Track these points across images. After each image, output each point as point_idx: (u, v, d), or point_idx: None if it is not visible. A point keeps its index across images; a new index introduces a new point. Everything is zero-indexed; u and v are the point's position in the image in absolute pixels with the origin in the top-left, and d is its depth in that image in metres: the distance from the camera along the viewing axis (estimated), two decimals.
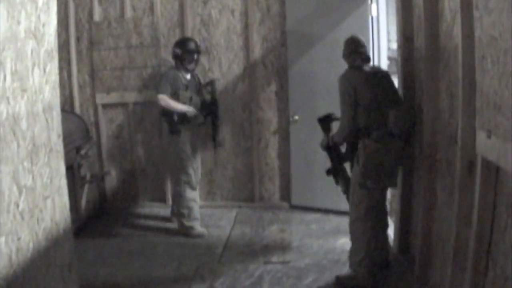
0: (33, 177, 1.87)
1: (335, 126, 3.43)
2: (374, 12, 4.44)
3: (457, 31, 2.33)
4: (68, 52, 5.05)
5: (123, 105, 5.11)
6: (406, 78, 3.50)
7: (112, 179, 5.23)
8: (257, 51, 4.92)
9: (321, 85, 4.67)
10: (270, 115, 5.00)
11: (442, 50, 2.76)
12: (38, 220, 1.91)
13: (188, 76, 4.40)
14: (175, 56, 4.35)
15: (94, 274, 3.59)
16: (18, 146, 1.76)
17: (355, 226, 3.26)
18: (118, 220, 4.86)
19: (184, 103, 4.26)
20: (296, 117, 4.83)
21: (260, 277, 3.52)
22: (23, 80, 1.81)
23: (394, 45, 4.77)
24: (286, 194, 5.09)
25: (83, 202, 4.63)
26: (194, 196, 4.41)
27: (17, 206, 1.74)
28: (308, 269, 3.61)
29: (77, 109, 5.13)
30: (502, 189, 1.94)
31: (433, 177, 2.94)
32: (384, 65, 4.59)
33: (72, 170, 4.36)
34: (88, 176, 4.85)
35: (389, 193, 3.62)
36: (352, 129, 3.18)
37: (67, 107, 5.06)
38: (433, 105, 2.89)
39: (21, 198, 1.77)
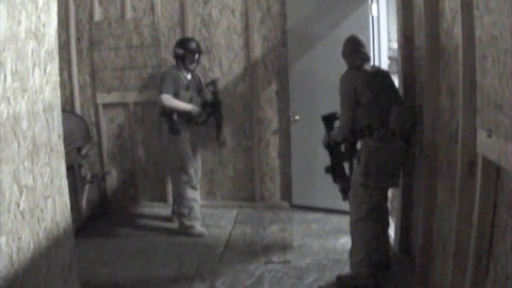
0: (33, 177, 1.87)
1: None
2: (374, 12, 4.44)
3: (458, 30, 2.33)
4: (69, 52, 5.06)
5: (124, 105, 5.12)
6: (407, 77, 3.50)
7: (112, 179, 5.23)
8: (257, 51, 4.92)
9: (322, 85, 4.67)
10: (271, 115, 5.00)
11: (443, 50, 2.76)
12: (38, 220, 1.91)
13: (189, 76, 4.40)
14: (177, 56, 4.36)
15: (95, 274, 3.59)
16: (19, 146, 1.77)
17: (356, 226, 3.26)
18: (119, 220, 4.87)
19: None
20: (297, 117, 4.83)
21: (261, 276, 3.52)
22: (23, 80, 1.81)
23: (395, 45, 4.77)
24: (286, 193, 5.09)
25: (84, 202, 4.63)
26: (195, 196, 4.41)
27: (18, 205, 1.75)
28: (309, 269, 3.61)
29: (78, 109, 5.13)
30: (503, 188, 1.94)
31: (433, 176, 2.94)
32: (384, 64, 4.58)
33: (72, 170, 4.36)
34: (88, 176, 4.85)
35: (390, 193, 3.62)
36: (351, 129, 3.18)
37: (67, 107, 5.06)
38: (433, 105, 2.89)
39: (22, 198, 1.77)
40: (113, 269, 3.71)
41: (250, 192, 5.11)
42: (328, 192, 4.56)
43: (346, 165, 3.45)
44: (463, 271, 2.26)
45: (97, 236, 4.43)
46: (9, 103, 1.70)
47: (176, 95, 4.25)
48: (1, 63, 1.65)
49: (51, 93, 2.06)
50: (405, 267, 3.43)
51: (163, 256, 3.96)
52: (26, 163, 1.81)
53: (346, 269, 3.47)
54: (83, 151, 4.67)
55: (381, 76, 3.29)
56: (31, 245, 1.84)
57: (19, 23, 1.79)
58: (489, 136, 1.93)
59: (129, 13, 4.99)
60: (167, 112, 4.26)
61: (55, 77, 2.10)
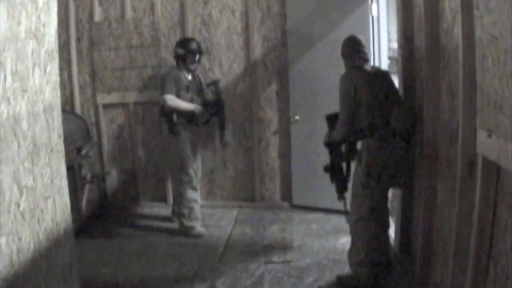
0: (33, 177, 1.87)
1: None
2: (374, 12, 4.44)
3: (458, 30, 2.33)
4: (69, 53, 5.06)
5: (124, 105, 5.12)
6: (407, 77, 3.50)
7: (112, 179, 5.23)
8: (257, 51, 4.92)
9: (322, 85, 4.67)
10: (271, 115, 5.00)
11: (443, 50, 2.76)
12: (39, 220, 1.91)
13: (190, 77, 4.40)
14: (177, 56, 4.36)
15: (95, 274, 3.59)
16: (19, 146, 1.76)
17: (356, 226, 3.25)
18: (119, 220, 4.87)
19: None
20: (297, 117, 4.84)
21: (261, 276, 3.52)
22: (23, 81, 1.81)
23: (395, 45, 4.77)
24: (286, 193, 5.09)
25: (84, 202, 4.63)
26: (195, 197, 4.41)
27: (18, 206, 1.75)
28: (309, 269, 3.61)
29: (78, 109, 5.13)
30: (503, 188, 1.94)
31: (433, 176, 2.94)
32: (384, 64, 4.59)
33: (73, 170, 4.36)
34: (88, 176, 4.85)
35: (390, 193, 3.62)
36: (351, 129, 3.18)
37: (67, 108, 5.06)
38: (433, 105, 2.89)
39: (22, 198, 1.77)
40: (113, 269, 3.71)
41: (250, 192, 5.11)
42: (328, 192, 4.53)
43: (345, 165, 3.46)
44: (463, 271, 2.26)
45: (97, 236, 4.43)
46: (9, 103, 1.70)
47: (177, 96, 4.25)
48: (1, 63, 1.65)
49: (51, 93, 2.06)
50: (405, 267, 3.43)
51: (163, 256, 3.96)
52: (26, 164, 1.81)
53: (346, 269, 3.47)
54: (83, 151, 4.67)
55: (381, 76, 3.29)
56: (31, 245, 1.84)
57: (19, 23, 1.78)
58: (489, 136, 1.93)
59: (129, 13, 4.99)
60: (167, 113, 4.26)
61: (55, 77, 2.10)
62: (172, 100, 4.20)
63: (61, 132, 2.16)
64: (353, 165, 3.37)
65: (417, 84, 3.36)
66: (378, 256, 3.21)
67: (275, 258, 3.83)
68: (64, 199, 2.17)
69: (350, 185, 3.40)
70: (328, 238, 4.18)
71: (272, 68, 4.94)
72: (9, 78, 1.70)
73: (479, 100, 2.07)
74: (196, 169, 4.48)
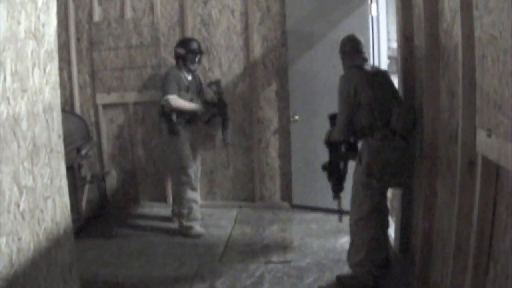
0: (33, 178, 1.87)
1: None
2: (374, 12, 4.44)
3: (457, 30, 2.33)
4: (68, 53, 5.06)
5: (124, 105, 5.12)
6: (406, 77, 3.50)
7: (112, 179, 5.23)
8: (257, 51, 4.92)
9: (322, 85, 4.67)
10: (271, 115, 5.00)
11: (442, 50, 2.76)
12: (38, 220, 1.91)
13: (190, 77, 4.40)
14: (178, 56, 4.35)
15: (95, 274, 3.59)
16: (19, 146, 1.76)
17: (357, 226, 3.25)
18: (119, 220, 4.87)
19: None
20: (297, 117, 4.84)
21: (261, 276, 3.52)
22: (23, 81, 1.81)
23: (394, 44, 4.76)
24: (286, 193, 5.09)
25: (84, 202, 4.64)
26: (194, 197, 4.41)
27: (18, 206, 1.75)
28: (308, 269, 3.61)
29: (78, 110, 5.13)
30: (503, 188, 1.94)
31: (433, 176, 2.94)
32: (384, 64, 4.59)
33: (72, 171, 4.36)
34: (88, 176, 4.86)
35: (389, 192, 3.62)
36: (349, 129, 3.18)
37: (67, 108, 5.06)
38: (433, 104, 2.89)
39: (22, 199, 1.77)
40: (113, 269, 3.71)
41: (250, 192, 5.11)
42: (328, 192, 4.51)
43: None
44: (463, 270, 2.26)
45: (97, 236, 4.43)
46: (9, 103, 1.70)
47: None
48: (0, 63, 1.65)
49: (51, 94, 2.06)
50: (405, 267, 3.43)
51: (163, 256, 3.97)
52: (26, 164, 1.81)
53: (346, 269, 3.47)
54: (83, 152, 4.67)
55: (380, 76, 3.29)
56: (31, 245, 1.84)
57: (18, 23, 1.78)
58: (489, 135, 1.93)
59: (128, 13, 4.99)
60: (167, 113, 4.26)
61: (54, 77, 2.10)
62: (175, 100, 4.20)
63: (60, 132, 2.16)
64: (353, 165, 3.37)
65: (417, 84, 3.36)
66: (378, 256, 3.21)
67: (275, 258, 3.83)
68: (64, 199, 2.17)
69: (347, 185, 3.42)
70: (328, 238, 4.18)
71: (272, 68, 4.94)
72: (8, 78, 1.70)
73: (478, 100, 2.07)
74: (196, 169, 4.48)
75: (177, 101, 4.21)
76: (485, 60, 1.97)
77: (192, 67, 4.38)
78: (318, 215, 4.74)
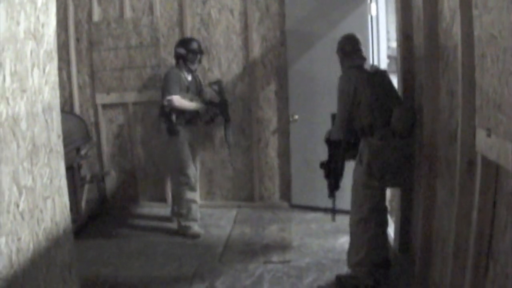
0: (33, 178, 1.87)
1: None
2: (373, 11, 4.44)
3: (457, 30, 2.33)
4: (68, 53, 5.06)
5: (123, 105, 5.12)
6: (406, 77, 3.50)
7: (112, 179, 5.23)
8: (256, 51, 4.92)
9: (321, 85, 4.67)
10: (270, 115, 5.00)
11: (442, 49, 2.76)
12: (38, 220, 1.91)
13: (190, 77, 4.39)
14: (178, 56, 4.34)
15: (95, 274, 3.59)
16: (18, 146, 1.76)
17: (357, 227, 3.24)
18: (118, 220, 4.87)
19: None
20: (296, 117, 4.84)
21: (260, 276, 3.52)
22: (22, 81, 1.81)
23: (394, 44, 4.77)
24: (286, 193, 5.09)
25: (83, 202, 4.63)
26: (193, 197, 4.40)
27: (17, 206, 1.74)
28: (308, 269, 3.61)
29: (77, 110, 5.13)
30: (502, 187, 1.94)
31: (433, 176, 2.94)
32: (383, 64, 4.59)
33: (72, 171, 4.35)
34: (88, 176, 4.85)
35: (388, 192, 3.62)
36: (348, 129, 3.18)
37: (67, 108, 5.06)
38: (432, 104, 2.89)
39: (21, 199, 1.77)
40: (113, 269, 3.71)
41: (250, 192, 5.11)
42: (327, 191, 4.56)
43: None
44: (462, 270, 2.26)
45: (96, 236, 4.43)
46: (8, 103, 1.70)
47: None
48: (0, 63, 1.65)
49: (50, 94, 2.05)
50: (405, 267, 3.43)
51: (162, 256, 3.96)
52: (25, 164, 1.81)
53: (345, 269, 3.47)
54: (83, 152, 4.67)
55: (380, 75, 3.29)
56: (31, 245, 1.84)
57: (18, 23, 1.78)
58: (488, 135, 1.93)
59: (128, 13, 4.98)
60: (166, 113, 4.25)
61: (54, 78, 2.10)
62: (179, 101, 4.19)
63: (60, 132, 2.16)
64: (350, 164, 3.37)
65: (416, 84, 3.36)
66: (377, 256, 3.21)
67: (274, 258, 3.83)
68: (63, 199, 2.17)
69: (343, 184, 3.42)
70: (327, 238, 4.18)
71: (271, 68, 4.94)
72: (8, 78, 1.70)
73: (478, 99, 2.07)
74: (195, 169, 4.47)
75: (181, 101, 4.20)
76: (485, 60, 1.97)
77: (193, 67, 4.37)
78: (318, 215, 4.74)
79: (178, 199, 4.37)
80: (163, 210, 4.96)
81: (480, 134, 2.04)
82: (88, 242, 4.22)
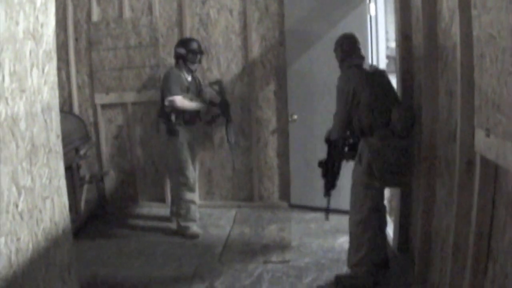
0: (32, 178, 1.87)
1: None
2: (372, 11, 4.45)
3: (456, 30, 2.33)
4: (67, 53, 5.05)
5: (122, 105, 5.11)
6: (405, 77, 3.50)
7: (111, 179, 5.23)
8: (255, 51, 4.92)
9: (320, 84, 4.67)
10: (269, 115, 5.00)
11: (441, 49, 2.76)
12: (37, 220, 1.91)
13: (189, 78, 4.39)
14: (178, 56, 4.34)
15: (94, 274, 3.58)
16: (17, 146, 1.76)
17: (358, 227, 3.23)
18: (118, 220, 4.86)
19: None
20: (295, 117, 4.84)
21: (260, 276, 3.52)
22: (21, 81, 1.81)
23: (393, 44, 4.77)
24: (285, 193, 5.09)
25: (83, 203, 4.63)
26: (192, 198, 4.40)
27: (16, 206, 1.74)
28: (307, 268, 3.61)
29: (76, 110, 5.13)
30: (501, 187, 1.94)
31: (432, 175, 2.94)
32: (382, 64, 4.59)
33: (71, 171, 4.35)
34: (87, 177, 4.85)
35: (387, 192, 3.62)
36: (348, 128, 3.19)
37: (66, 108, 5.06)
38: (432, 104, 2.89)
39: (20, 199, 1.77)
40: (112, 269, 3.71)
41: (249, 192, 5.11)
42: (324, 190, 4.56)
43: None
44: (461, 270, 2.26)
45: (96, 236, 4.43)
46: (7, 103, 1.70)
47: None
48: None
49: (49, 94, 2.05)
50: (404, 267, 3.44)
51: (162, 256, 3.96)
52: (24, 164, 1.81)
53: (344, 269, 3.47)
54: (82, 152, 4.66)
55: (379, 75, 3.29)
56: (30, 246, 1.84)
57: (17, 23, 1.78)
58: (487, 135, 1.93)
59: (127, 13, 4.98)
60: (166, 113, 4.25)
61: (53, 78, 2.10)
62: (180, 101, 4.19)
63: (59, 132, 2.16)
64: (349, 165, 3.37)
65: (415, 84, 3.37)
66: (377, 256, 3.21)
67: (273, 258, 3.83)
68: (62, 199, 2.17)
69: (340, 183, 3.43)
70: (327, 238, 4.18)
71: (270, 68, 4.94)
72: (7, 78, 1.70)
73: (477, 99, 2.07)
74: (194, 170, 4.47)
75: (183, 101, 4.20)
76: (484, 60, 1.97)
77: (192, 67, 4.37)
78: (317, 214, 4.72)
79: (177, 199, 4.37)
80: (162, 210, 4.96)
81: (479, 134, 2.04)
82: (87, 242, 4.21)
